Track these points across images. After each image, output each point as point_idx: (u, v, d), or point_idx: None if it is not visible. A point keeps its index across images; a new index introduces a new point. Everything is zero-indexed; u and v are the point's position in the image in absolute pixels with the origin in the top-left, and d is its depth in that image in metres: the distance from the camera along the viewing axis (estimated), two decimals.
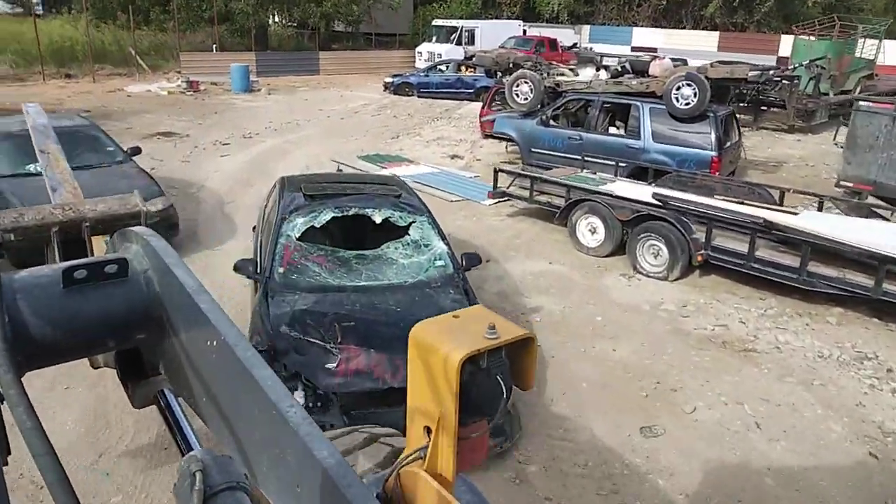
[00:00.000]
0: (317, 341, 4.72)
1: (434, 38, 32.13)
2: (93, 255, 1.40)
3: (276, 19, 35.56)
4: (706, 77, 11.66)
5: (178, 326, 1.05)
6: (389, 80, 25.41)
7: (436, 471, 1.10)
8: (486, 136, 16.57)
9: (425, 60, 30.74)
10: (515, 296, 7.69)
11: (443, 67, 25.35)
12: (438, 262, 5.84)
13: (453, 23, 32.72)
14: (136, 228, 1.19)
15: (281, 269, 5.54)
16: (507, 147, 15.23)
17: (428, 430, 1.09)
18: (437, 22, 33.29)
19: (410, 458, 1.12)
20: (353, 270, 5.69)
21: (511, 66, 16.13)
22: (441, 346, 1.03)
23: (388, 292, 5.39)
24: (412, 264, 5.79)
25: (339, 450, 0.86)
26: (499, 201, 10.88)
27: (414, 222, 6.13)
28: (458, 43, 31.14)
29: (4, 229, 1.34)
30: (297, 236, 5.81)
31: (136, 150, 9.59)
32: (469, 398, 1.04)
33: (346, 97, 24.00)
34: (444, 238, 6.10)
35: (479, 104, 22.51)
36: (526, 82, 13.49)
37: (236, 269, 5.70)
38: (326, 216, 5.95)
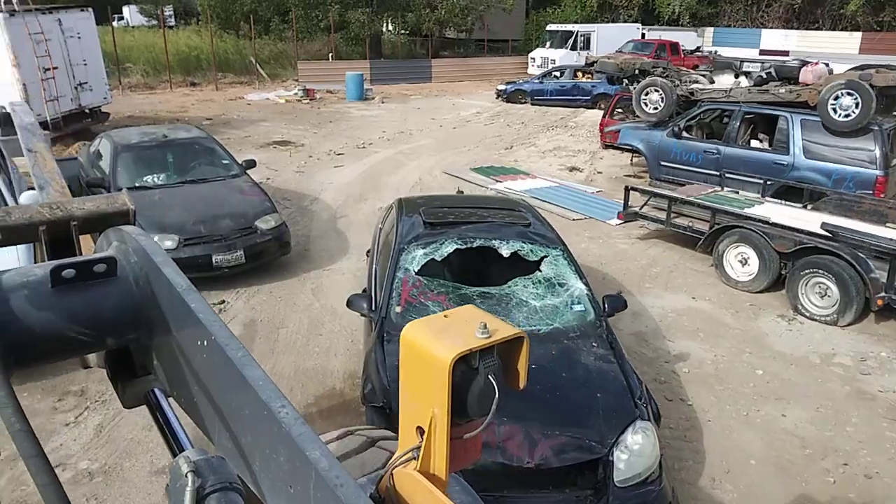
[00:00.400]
0: None
1: (548, 44, 31.17)
2: (81, 254, 1.35)
3: (389, 27, 35.76)
4: (871, 85, 10.16)
5: (169, 326, 1.04)
6: (502, 87, 24.74)
7: (429, 471, 1.11)
8: (607, 147, 15.54)
9: (538, 66, 29.86)
10: (656, 339, 6.73)
11: (558, 73, 24.39)
12: (577, 307, 5.03)
13: (568, 27, 31.63)
14: (126, 227, 1.20)
15: (398, 309, 4.91)
16: (631, 159, 14.16)
17: (421, 430, 1.09)
18: (552, 27, 32.30)
19: (403, 458, 1.13)
20: None
21: (637, 72, 14.98)
22: (432, 346, 1.03)
23: None
24: (545, 308, 5.00)
25: (338, 453, 1.18)
26: (628, 221, 9.88)
27: (546, 256, 5.35)
28: (574, 48, 30.03)
29: None
30: (417, 270, 5.17)
31: (251, 164, 9.37)
32: (461, 398, 1.05)
33: (458, 105, 23.52)
34: (581, 276, 5.28)
35: (597, 112, 21.49)
36: (656, 90, 12.41)
37: (349, 304, 5.16)
38: (448, 248, 5.27)
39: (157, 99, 22.74)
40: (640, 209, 9.35)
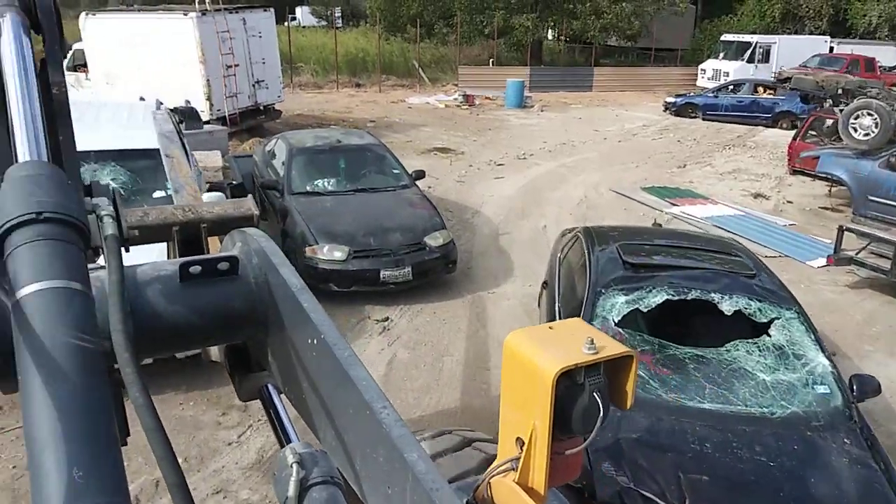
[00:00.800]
0: (654, 498, 3.30)
1: (721, 55, 29.05)
2: (209, 254, 1.47)
3: (551, 34, 34.98)
4: None
5: (283, 324, 1.09)
6: (671, 99, 23.24)
7: (527, 484, 1.12)
8: (795, 173, 13.88)
9: (708, 79, 27.92)
10: (889, 420, 5.57)
11: (735, 87, 22.56)
12: (819, 388, 4.08)
13: (745, 38, 29.32)
14: (249, 230, 1.27)
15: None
16: (829, 190, 12.52)
17: (521, 441, 1.10)
18: (727, 37, 30.07)
19: (502, 467, 1.15)
20: (691, 380, 4.17)
21: (840, 91, 13.27)
22: (536, 358, 1.04)
23: (746, 426, 3.79)
24: (778, 384, 4.10)
25: (431, 452, 1.46)
26: (839, 265, 8.53)
27: (777, 318, 4.44)
28: (750, 60, 27.79)
29: (130, 226, 1.30)
30: (617, 321, 4.46)
31: (420, 174, 9.03)
32: (564, 413, 1.05)
33: (623, 117, 22.34)
34: (822, 348, 4.32)
35: (778, 132, 19.56)
36: (870, 114, 10.85)
37: None
38: (656, 298, 4.51)
39: (323, 98, 23.46)
40: (857, 255, 8.01)
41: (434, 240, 7.53)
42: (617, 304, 4.52)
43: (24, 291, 0.80)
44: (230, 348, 1.36)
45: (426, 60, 29.20)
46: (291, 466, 0.93)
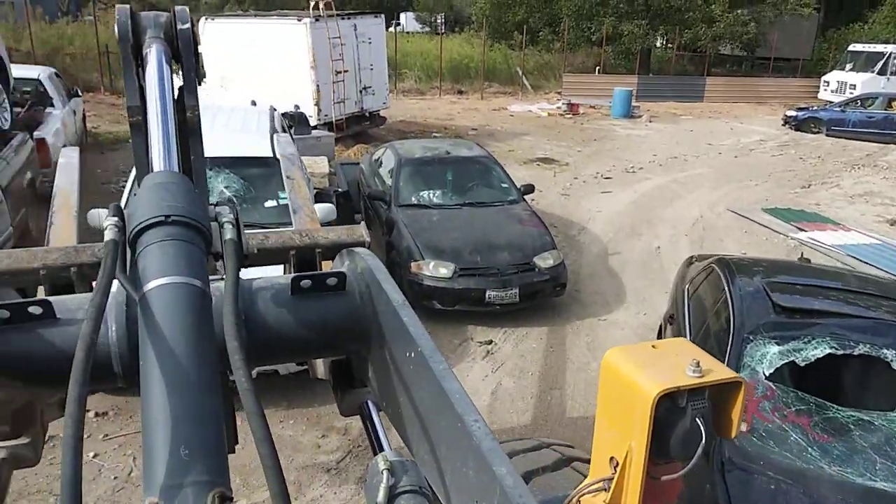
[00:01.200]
0: None
1: (848, 66, 26.99)
2: None
3: (660, 42, 33.66)
4: None
5: (384, 338, 1.13)
6: (792, 113, 21.75)
7: None
8: None
9: (832, 91, 26.04)
10: None
11: (864, 102, 20.86)
12: None
13: (878, 48, 27.10)
14: (357, 249, 1.35)
15: (744, 427, 3.69)
16: None
17: (615, 462, 1.08)
18: (856, 46, 27.90)
19: (593, 487, 1.13)
20: (857, 451, 3.55)
21: None
22: (636, 377, 1.02)
23: None
24: None
25: (529, 467, 1.55)
26: None
27: None
28: (882, 72, 25.66)
29: (251, 251, 1.33)
30: (768, 374, 3.89)
31: (529, 189, 8.63)
32: (663, 437, 1.04)
33: (737, 130, 21.09)
34: None
35: None
36: None
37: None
38: (817, 350, 3.90)
39: (426, 105, 23.44)
40: None
41: (544, 260, 7.10)
42: (768, 355, 3.95)
43: (150, 286, 0.88)
44: (335, 364, 1.42)
45: (529, 67, 28.70)
46: (382, 473, 0.98)
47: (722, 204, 12.40)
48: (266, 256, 1.55)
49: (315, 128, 13.13)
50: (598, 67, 28.65)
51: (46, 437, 1.39)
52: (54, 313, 1.10)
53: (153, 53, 1.39)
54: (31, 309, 1.08)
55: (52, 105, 11.38)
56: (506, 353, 6.62)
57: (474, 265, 6.89)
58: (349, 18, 14.70)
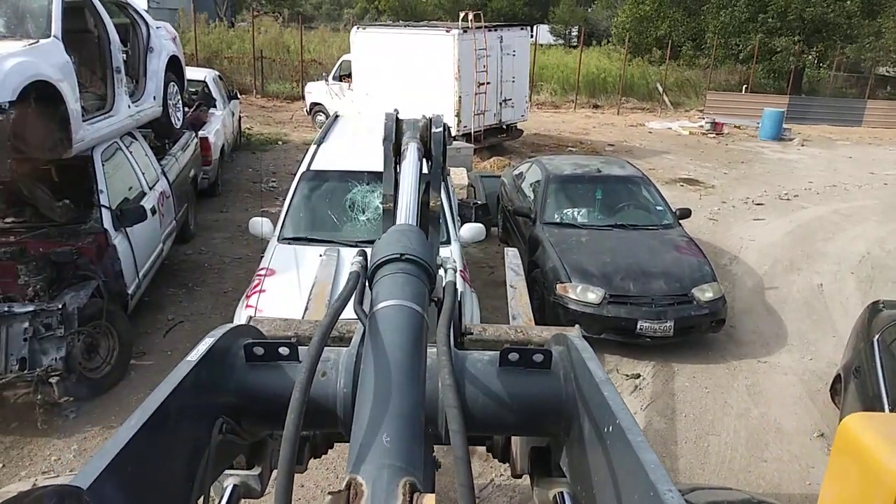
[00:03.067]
0: None
1: None
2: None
3: (815, 60, 31.40)
4: None
5: (584, 417, 1.14)
6: None
7: None
8: None
9: None
10: None
11: None
12: None
13: None
14: (566, 332, 1.50)
15: None
16: None
17: None
18: None
19: None
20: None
21: None
22: (881, 454, 0.94)
23: None
24: None
25: None
26: None
27: None
28: None
29: (471, 339, 1.66)
30: None
31: (686, 213, 8.11)
32: None
33: None
34: None
35: None
36: None
37: None
38: None
39: (560, 118, 23.06)
40: None
41: (703, 293, 6.61)
42: None
43: (379, 305, 1.02)
44: (533, 450, 1.46)
45: (669, 84, 27.59)
46: None
47: (891, 241, 11.22)
48: (481, 347, 1.65)
49: (455, 139, 13.15)
50: (744, 86, 27.09)
51: (272, 475, 1.46)
52: (298, 356, 1.24)
53: (410, 151, 1.62)
54: (281, 350, 1.24)
55: (215, 106, 12.07)
56: (656, 390, 6.21)
57: (626, 292, 6.51)
58: (496, 30, 14.65)
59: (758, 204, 13.15)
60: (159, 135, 8.39)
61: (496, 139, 15.64)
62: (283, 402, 1.07)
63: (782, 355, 6.98)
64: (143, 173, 7.17)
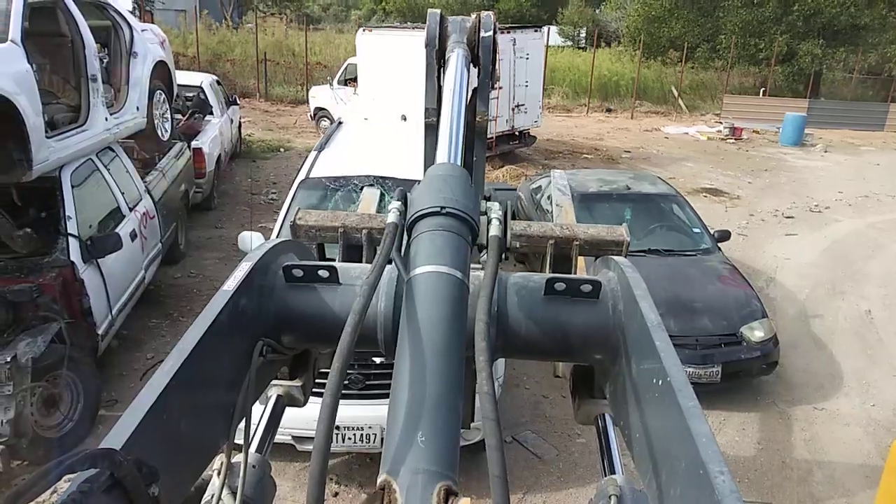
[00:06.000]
0: None
1: None
2: (576, 272, 1.58)
3: (833, 63, 30.50)
4: None
5: (631, 356, 1.08)
6: None
7: None
8: None
9: None
10: None
11: None
12: None
13: None
14: (617, 258, 1.29)
15: None
16: None
17: None
18: None
19: None
20: None
21: None
22: None
23: None
24: None
25: None
26: None
27: None
28: None
29: (514, 235, 1.52)
30: None
31: (725, 236, 7.33)
32: None
33: None
34: None
35: None
36: None
37: None
38: None
39: (572, 123, 22.26)
40: None
41: (753, 332, 5.82)
42: None
43: (417, 271, 0.95)
44: (577, 368, 1.39)
45: (684, 87, 26.74)
46: (610, 499, 0.98)
47: None
48: (527, 244, 1.59)
49: None
50: (762, 89, 26.23)
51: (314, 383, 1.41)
52: (338, 279, 1.21)
53: (455, 57, 1.45)
54: (321, 272, 1.21)
55: (211, 113, 11.34)
56: None
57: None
58: (508, 32, 13.88)
59: (788, 217, 12.34)
60: (145, 148, 7.66)
61: (508, 146, 14.87)
62: (324, 322, 1.19)
63: (840, 400, 6.19)
64: (123, 193, 6.43)
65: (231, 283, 1.11)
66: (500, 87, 13.63)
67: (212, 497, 1.04)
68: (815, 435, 5.63)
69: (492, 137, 13.76)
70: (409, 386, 0.80)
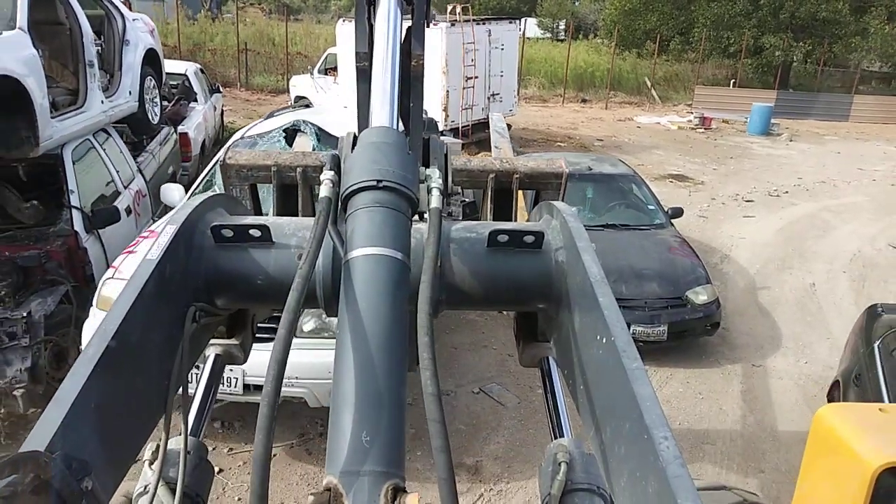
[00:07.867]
0: None
1: None
2: (516, 205, 1.65)
3: (803, 56, 31.40)
4: None
5: (574, 308, 1.07)
6: None
7: None
8: None
9: None
10: None
11: None
12: None
13: None
14: (558, 204, 1.26)
15: None
16: None
17: None
18: None
19: None
20: None
21: None
22: (855, 444, 0.87)
23: None
24: None
25: None
26: None
27: None
28: None
29: (455, 169, 1.48)
30: None
31: (678, 212, 7.95)
32: None
33: (891, 155, 19.18)
34: None
35: None
36: None
37: None
38: None
39: (548, 113, 22.87)
40: None
41: (697, 296, 6.45)
42: None
43: (355, 253, 0.92)
44: (521, 314, 1.38)
45: (657, 78, 27.47)
46: (559, 465, 0.98)
47: (883, 239, 11.15)
48: (467, 178, 1.57)
49: (443, 134, 12.91)
50: (732, 81, 27.02)
51: (253, 339, 1.41)
52: (271, 237, 1.15)
53: None
54: (252, 231, 1.14)
55: (196, 100, 11.75)
56: None
57: (619, 295, 6.27)
58: (484, 24, 14.41)
59: (748, 201, 13.04)
60: (136, 131, 8.09)
61: (484, 134, 15.37)
62: (259, 283, 1.15)
63: (777, 359, 6.84)
64: (118, 171, 6.89)
65: (156, 252, 1.04)
66: (476, 77, 14.17)
67: (144, 488, 0.99)
68: (751, 387, 6.28)
69: (468, 125, 14.31)
70: (352, 380, 0.78)
